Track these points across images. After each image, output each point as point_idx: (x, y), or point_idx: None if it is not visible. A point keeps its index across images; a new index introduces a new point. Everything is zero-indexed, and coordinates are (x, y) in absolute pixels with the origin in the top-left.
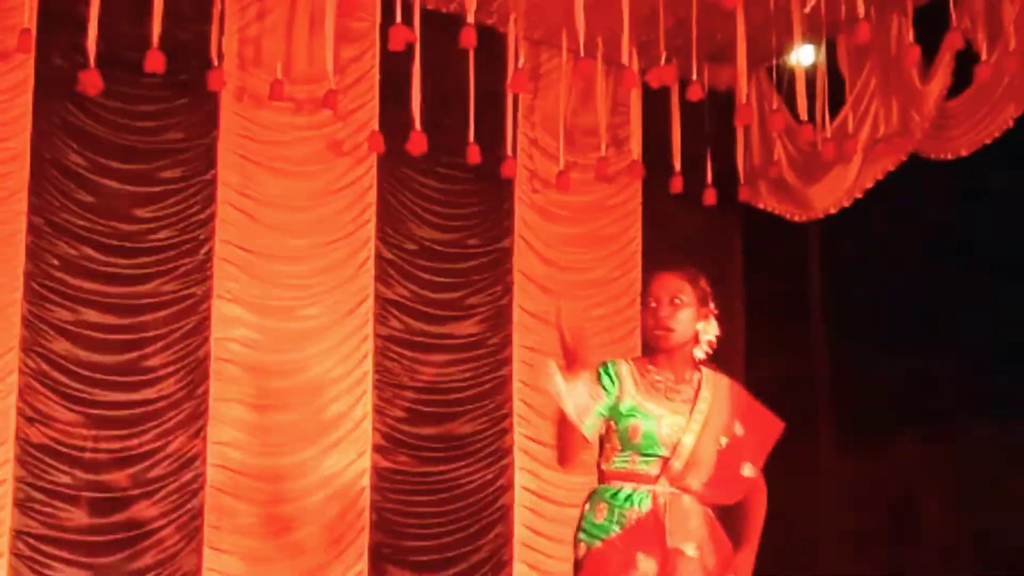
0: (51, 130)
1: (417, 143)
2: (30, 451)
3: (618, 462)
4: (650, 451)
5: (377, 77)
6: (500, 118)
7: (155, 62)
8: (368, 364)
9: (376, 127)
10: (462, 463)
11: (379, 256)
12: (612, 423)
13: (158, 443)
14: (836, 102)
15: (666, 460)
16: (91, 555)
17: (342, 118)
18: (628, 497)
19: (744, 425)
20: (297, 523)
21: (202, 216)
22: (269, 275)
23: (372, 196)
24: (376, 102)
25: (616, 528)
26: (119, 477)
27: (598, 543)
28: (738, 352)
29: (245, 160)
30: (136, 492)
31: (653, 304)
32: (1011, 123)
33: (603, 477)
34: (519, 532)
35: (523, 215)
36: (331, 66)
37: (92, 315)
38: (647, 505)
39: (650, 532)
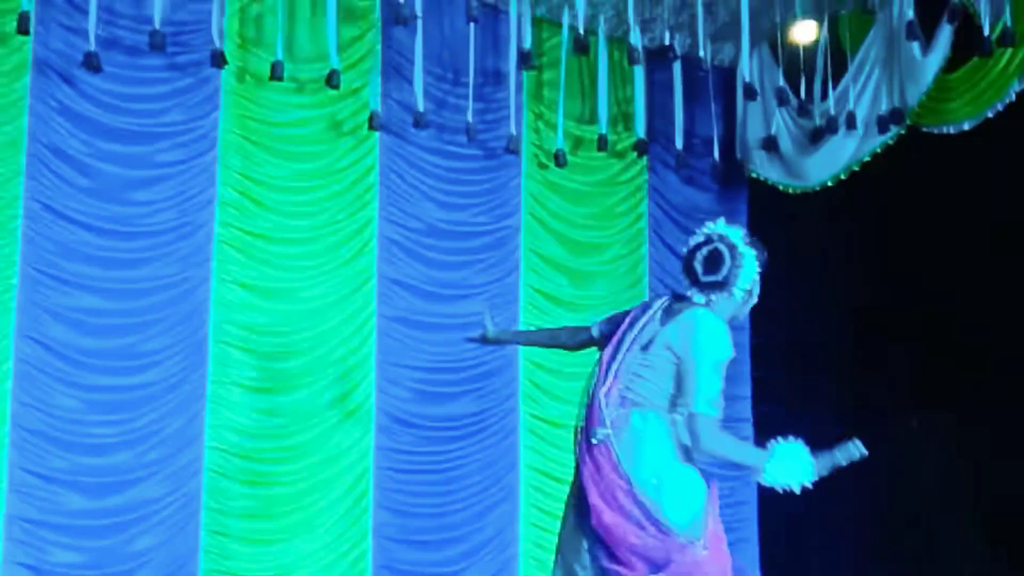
0: (48, 114)
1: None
2: (26, 436)
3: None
4: None
5: (380, 56)
6: (505, 96)
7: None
8: (371, 344)
9: (379, 106)
10: (467, 442)
11: (383, 235)
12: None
13: (156, 426)
14: (837, 75)
15: None
16: (88, 539)
17: (344, 98)
18: None
19: None
20: (298, 504)
21: (202, 198)
22: (270, 256)
23: (375, 175)
24: (379, 81)
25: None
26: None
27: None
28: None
29: (246, 141)
30: (134, 475)
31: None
32: (1013, 97)
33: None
34: (524, 511)
35: (531, 192)
36: (333, 45)
37: (89, 300)
38: None
39: None
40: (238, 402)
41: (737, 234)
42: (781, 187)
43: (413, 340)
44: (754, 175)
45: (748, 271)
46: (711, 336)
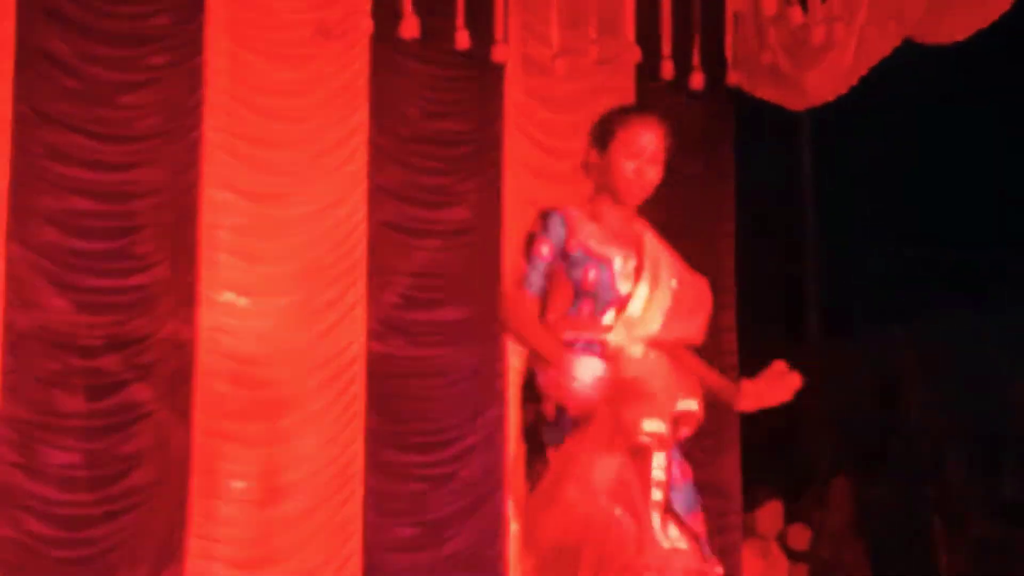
0: (35, 16)
1: (409, 27)
2: (18, 339)
3: (570, 312)
4: (605, 296)
5: None
6: (492, 1)
7: None
8: (361, 249)
9: (368, 9)
10: (455, 347)
11: (372, 141)
12: (562, 271)
13: (150, 329)
14: None
15: (622, 304)
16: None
17: (334, 1)
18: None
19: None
20: (289, 408)
21: (189, 102)
22: (259, 162)
23: (364, 81)
24: None
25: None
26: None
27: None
28: (729, 238)
29: (233, 45)
30: (129, 376)
31: (637, 155)
32: (1008, 7)
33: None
34: (514, 415)
35: (516, 100)
36: None
37: (79, 202)
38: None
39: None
40: (229, 306)
41: None
42: (785, 105)
43: (401, 246)
44: (748, 92)
45: None
46: None
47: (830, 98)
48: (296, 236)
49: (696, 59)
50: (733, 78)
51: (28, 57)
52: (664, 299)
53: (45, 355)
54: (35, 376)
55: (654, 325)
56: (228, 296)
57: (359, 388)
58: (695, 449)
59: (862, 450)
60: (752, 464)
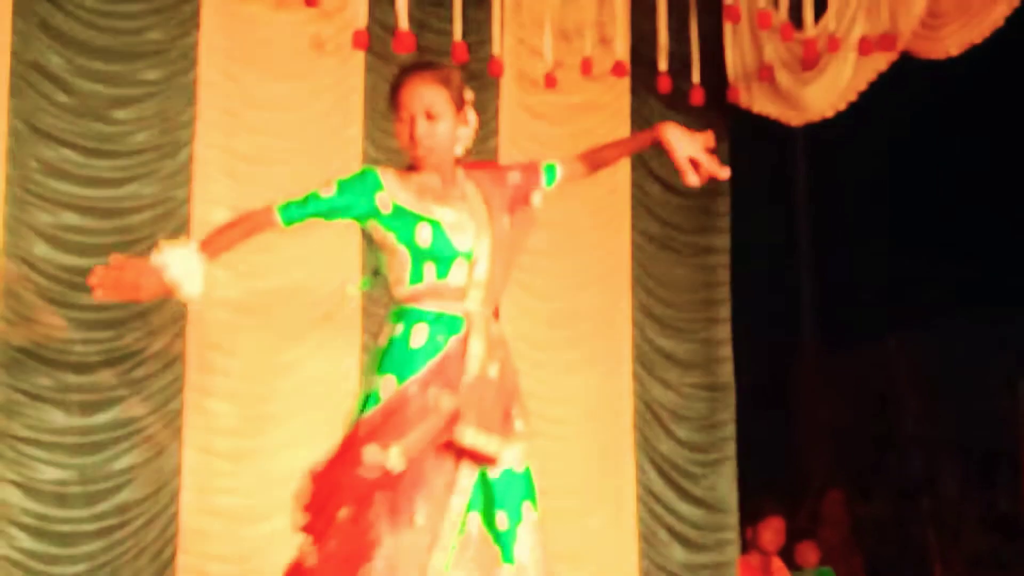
0: (30, 31)
1: (404, 42)
2: (11, 355)
3: (413, 279)
4: (445, 255)
5: None
6: (487, 17)
7: None
8: (355, 264)
9: (363, 25)
10: None
11: (366, 156)
12: (391, 238)
13: (142, 344)
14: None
15: (469, 265)
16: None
17: (328, 16)
18: (449, 322)
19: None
20: (282, 423)
21: (183, 117)
22: (252, 177)
23: (359, 96)
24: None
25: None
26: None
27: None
28: (724, 253)
29: (227, 60)
30: (117, 392)
31: (405, 117)
32: (1001, 23)
33: (407, 300)
34: None
35: (510, 115)
36: None
37: (73, 218)
38: (461, 331)
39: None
40: (220, 321)
41: None
42: (784, 120)
43: None
44: (752, 110)
45: None
46: None
47: (829, 114)
48: (289, 250)
49: (696, 75)
50: (733, 94)
51: (22, 71)
52: (506, 243)
53: (38, 371)
54: (28, 392)
55: (500, 285)
56: (220, 310)
57: (353, 403)
58: (691, 464)
59: (857, 463)
60: (746, 478)
